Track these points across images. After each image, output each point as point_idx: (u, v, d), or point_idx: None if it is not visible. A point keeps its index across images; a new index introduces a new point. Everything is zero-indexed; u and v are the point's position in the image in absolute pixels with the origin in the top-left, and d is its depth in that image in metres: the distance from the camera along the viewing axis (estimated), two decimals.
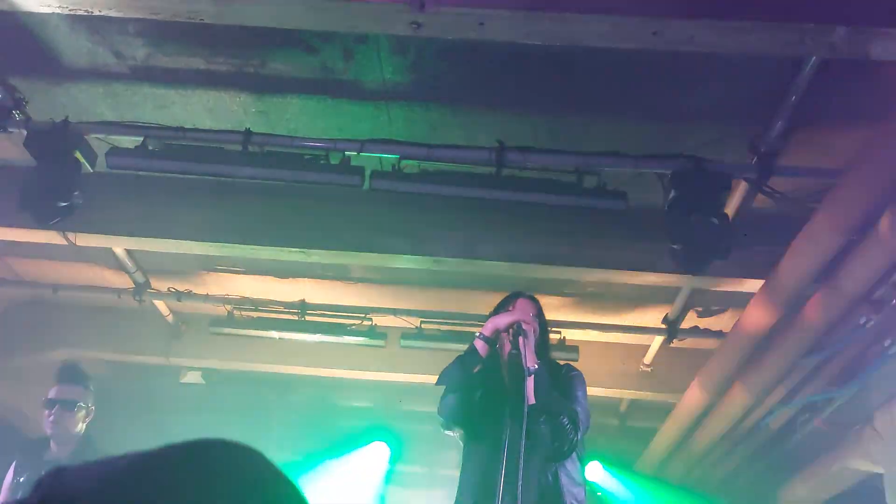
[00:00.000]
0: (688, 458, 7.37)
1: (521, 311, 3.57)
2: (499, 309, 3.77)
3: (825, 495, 7.21)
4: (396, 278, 6.32)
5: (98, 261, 6.30)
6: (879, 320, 4.62)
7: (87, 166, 4.47)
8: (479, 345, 3.46)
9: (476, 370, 3.43)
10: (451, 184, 4.32)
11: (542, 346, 3.59)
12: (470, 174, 4.32)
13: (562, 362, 3.68)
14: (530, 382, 3.23)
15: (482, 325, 3.62)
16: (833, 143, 4.32)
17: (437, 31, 3.36)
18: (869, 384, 5.42)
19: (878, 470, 6.04)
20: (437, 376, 3.56)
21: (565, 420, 3.24)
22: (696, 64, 3.90)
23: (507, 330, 3.43)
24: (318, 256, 5.46)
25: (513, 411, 3.24)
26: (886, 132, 3.49)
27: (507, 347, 3.43)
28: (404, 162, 4.29)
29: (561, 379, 3.51)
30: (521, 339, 3.31)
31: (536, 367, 3.27)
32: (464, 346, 3.71)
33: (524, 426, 3.09)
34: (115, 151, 4.40)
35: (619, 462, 7.82)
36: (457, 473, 3.60)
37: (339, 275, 6.35)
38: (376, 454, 8.15)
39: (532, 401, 3.21)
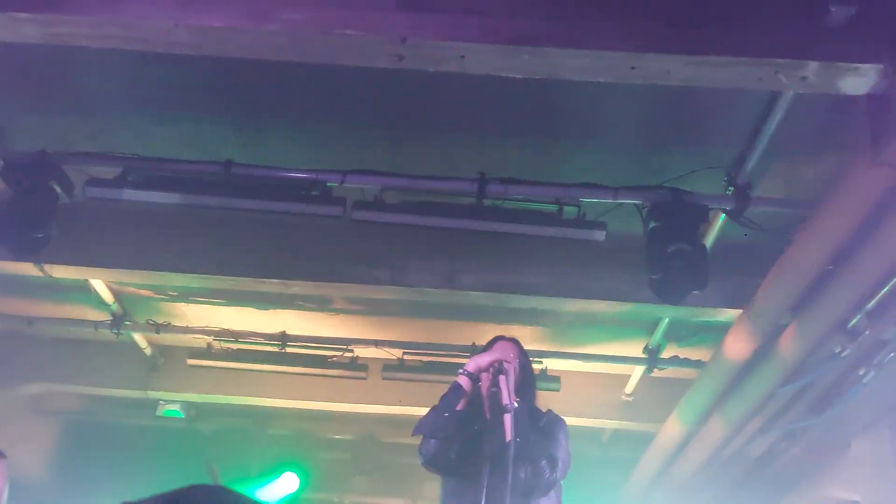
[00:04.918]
0: (670, 486, 7.36)
1: (501, 351, 3.58)
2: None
3: None
4: (378, 309, 6.31)
5: (75, 293, 6.23)
6: (854, 349, 4.67)
7: (65, 197, 4.44)
8: (463, 381, 3.48)
9: (459, 407, 3.43)
10: (433, 214, 4.33)
11: (525, 389, 3.59)
12: (451, 205, 4.35)
13: (545, 410, 3.68)
14: (508, 419, 3.24)
15: (465, 356, 3.64)
16: (808, 174, 4.40)
17: (419, 64, 3.40)
18: (846, 413, 5.47)
19: (856, 498, 6.07)
20: (414, 427, 3.54)
21: (543, 463, 3.25)
22: (673, 96, 3.97)
23: (488, 369, 3.45)
24: (298, 287, 5.44)
25: (492, 449, 3.25)
26: (857, 164, 3.55)
27: (488, 385, 3.45)
28: (386, 192, 4.31)
29: (543, 423, 3.52)
30: (501, 378, 3.34)
31: (516, 405, 3.28)
32: (446, 378, 3.71)
33: (504, 462, 3.10)
34: (93, 182, 4.38)
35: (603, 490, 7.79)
36: None
37: (321, 306, 6.32)
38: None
39: (509, 437, 3.21)
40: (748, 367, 5.23)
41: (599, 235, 4.30)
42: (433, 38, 3.23)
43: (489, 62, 3.33)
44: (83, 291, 6.14)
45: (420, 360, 6.59)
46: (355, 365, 6.66)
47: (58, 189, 4.40)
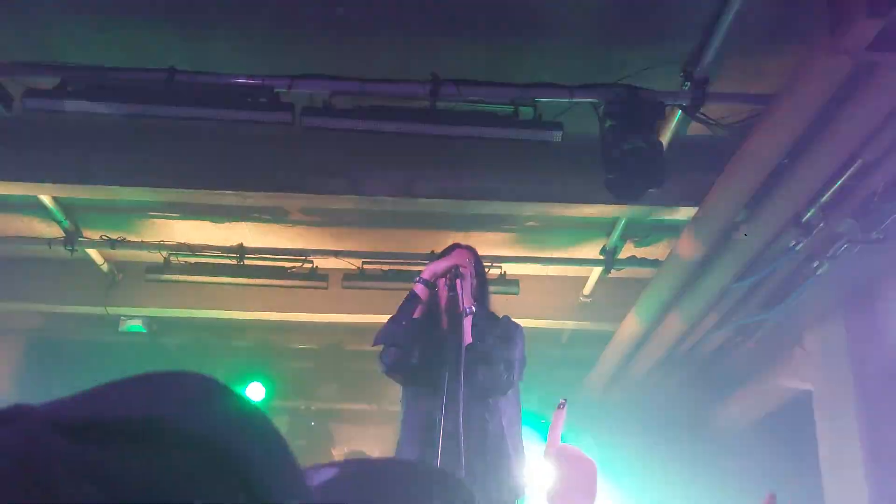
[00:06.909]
0: (627, 383, 7.58)
1: (457, 258, 3.60)
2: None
3: (758, 413, 7.51)
4: (336, 219, 6.25)
5: (24, 210, 6.07)
6: (808, 243, 4.74)
7: (3, 110, 4.26)
8: (419, 288, 3.50)
9: (417, 315, 3.45)
10: (386, 119, 4.23)
11: (481, 294, 3.63)
12: (404, 108, 4.25)
13: (501, 315, 3.71)
14: (468, 323, 3.29)
15: (424, 264, 3.65)
16: (765, 66, 4.35)
17: None
18: (799, 305, 5.60)
19: (808, 387, 6.31)
20: (374, 336, 3.56)
21: (501, 366, 3.31)
22: None
23: (444, 275, 3.47)
24: (253, 199, 5.34)
25: (451, 353, 3.30)
26: (815, 53, 3.51)
27: (445, 292, 3.48)
28: (336, 97, 4.19)
29: (500, 328, 3.57)
30: (458, 282, 3.38)
31: (474, 308, 3.32)
32: (406, 285, 3.72)
33: (461, 365, 3.15)
34: (31, 93, 4.19)
35: (562, 388, 7.99)
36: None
37: (277, 217, 6.25)
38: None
39: (469, 340, 3.26)
40: (704, 264, 5.31)
41: (556, 136, 4.24)
42: None
43: None
44: (33, 208, 5.99)
45: (380, 269, 6.59)
46: (315, 275, 6.64)
47: None
